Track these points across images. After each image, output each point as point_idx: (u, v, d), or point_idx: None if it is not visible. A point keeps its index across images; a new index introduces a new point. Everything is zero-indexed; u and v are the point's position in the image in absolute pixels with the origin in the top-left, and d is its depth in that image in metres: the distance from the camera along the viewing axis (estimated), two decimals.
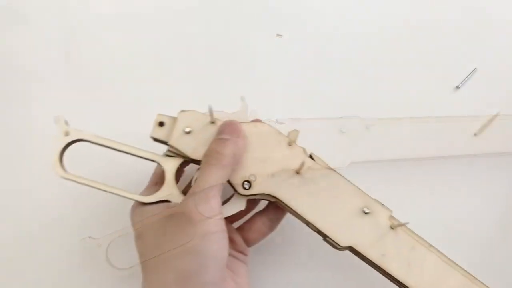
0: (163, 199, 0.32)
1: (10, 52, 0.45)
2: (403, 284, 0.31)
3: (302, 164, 0.32)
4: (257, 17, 0.47)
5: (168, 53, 0.45)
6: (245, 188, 0.32)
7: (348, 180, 0.33)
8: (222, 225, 0.29)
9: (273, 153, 0.32)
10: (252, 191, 0.32)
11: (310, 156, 0.33)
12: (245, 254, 0.35)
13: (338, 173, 0.33)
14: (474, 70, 0.45)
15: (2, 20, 0.46)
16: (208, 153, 0.31)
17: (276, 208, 0.35)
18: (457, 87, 0.45)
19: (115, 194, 0.33)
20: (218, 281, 0.28)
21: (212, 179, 0.29)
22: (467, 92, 0.45)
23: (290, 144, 0.33)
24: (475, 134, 0.43)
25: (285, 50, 0.46)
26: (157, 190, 0.33)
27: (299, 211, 0.32)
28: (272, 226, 0.35)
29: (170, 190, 0.32)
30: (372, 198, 0.32)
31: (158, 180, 0.34)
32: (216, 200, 0.29)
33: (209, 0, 0.47)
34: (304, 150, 0.33)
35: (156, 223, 0.30)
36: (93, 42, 0.46)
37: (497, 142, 0.43)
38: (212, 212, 0.28)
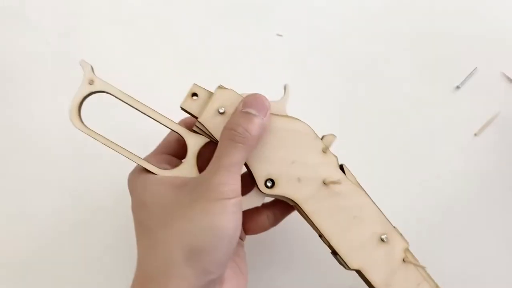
0: (181, 176, 0.30)
1: (8, 52, 0.45)
2: None
3: (333, 180, 0.30)
4: (257, 17, 0.47)
5: (168, 52, 0.45)
6: (267, 186, 0.30)
7: (374, 203, 0.32)
8: (239, 206, 0.28)
9: (305, 156, 0.31)
10: (274, 191, 0.30)
11: (341, 167, 0.32)
12: (241, 239, 0.34)
13: (366, 193, 0.32)
14: (474, 70, 0.45)
15: (1, 20, 0.46)
16: (234, 128, 0.29)
17: (285, 206, 0.34)
18: (457, 87, 0.45)
19: (130, 159, 0.30)
20: (226, 261, 0.28)
21: (236, 159, 0.28)
22: (467, 92, 0.45)
23: (324, 151, 0.31)
24: (475, 134, 0.43)
25: (285, 50, 0.46)
26: (164, 160, 0.31)
27: (317, 223, 0.31)
28: (275, 222, 0.34)
29: (190, 169, 0.30)
30: (392, 226, 0.32)
31: (167, 150, 0.33)
32: (238, 181, 0.28)
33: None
34: (337, 159, 0.31)
35: (165, 194, 0.28)
36: (92, 42, 0.46)
37: (497, 141, 0.43)
38: (233, 193, 0.27)
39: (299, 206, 0.31)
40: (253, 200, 0.31)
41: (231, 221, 0.27)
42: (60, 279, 0.40)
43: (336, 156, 0.31)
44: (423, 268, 0.31)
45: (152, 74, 0.44)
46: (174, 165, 0.31)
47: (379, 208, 0.32)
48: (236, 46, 0.45)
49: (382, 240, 0.31)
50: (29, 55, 0.44)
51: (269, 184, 0.30)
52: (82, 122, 0.30)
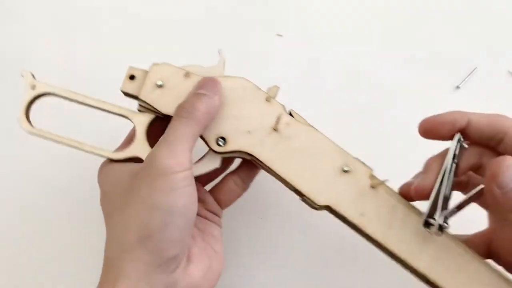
0: (133, 155, 0.31)
1: (4, 51, 0.45)
2: (382, 245, 0.29)
3: (279, 119, 0.30)
4: (257, 17, 0.47)
5: (168, 52, 0.45)
6: (219, 145, 0.30)
7: (328, 138, 0.31)
8: (190, 180, 0.27)
9: (250, 109, 0.31)
10: (227, 148, 0.30)
11: (290, 114, 0.31)
12: (217, 215, 0.33)
13: (317, 131, 0.31)
14: (474, 70, 0.45)
15: None
16: (181, 106, 0.29)
17: (249, 166, 0.33)
18: (457, 87, 0.45)
19: (83, 150, 0.31)
20: (184, 239, 0.27)
21: (180, 133, 0.28)
22: (467, 92, 0.45)
23: (268, 100, 0.31)
24: None
25: (285, 50, 0.46)
26: None
27: (275, 169, 0.30)
28: (244, 186, 0.34)
29: (140, 147, 0.31)
30: (352, 156, 0.31)
31: (132, 139, 0.33)
32: (184, 154, 0.27)
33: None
34: (283, 107, 0.31)
35: (123, 181, 0.28)
36: (92, 41, 0.46)
37: None
38: (179, 167, 0.26)
39: (256, 158, 0.30)
40: (209, 163, 0.31)
41: (181, 197, 0.26)
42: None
43: (282, 104, 0.31)
44: (384, 182, 0.30)
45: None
46: None
47: (334, 142, 0.31)
48: (236, 46, 0.45)
49: (345, 171, 0.30)
50: (27, 54, 0.44)
51: (220, 142, 0.30)
52: (32, 125, 0.31)
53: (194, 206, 0.27)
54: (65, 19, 0.46)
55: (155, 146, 0.28)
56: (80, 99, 0.32)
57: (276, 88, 0.32)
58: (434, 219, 0.27)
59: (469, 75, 0.44)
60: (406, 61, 0.45)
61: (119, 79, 0.32)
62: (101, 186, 0.30)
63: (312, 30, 0.46)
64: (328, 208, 0.30)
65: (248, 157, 0.31)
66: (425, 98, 0.44)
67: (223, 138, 0.30)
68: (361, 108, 0.44)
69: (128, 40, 0.46)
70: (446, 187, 0.28)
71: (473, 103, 0.44)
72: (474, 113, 0.29)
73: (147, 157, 0.28)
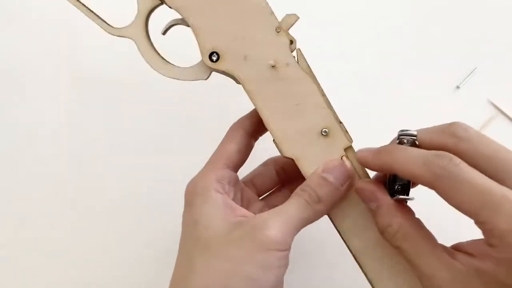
0: (127, 37, 0.29)
1: (5, 52, 0.45)
2: (329, 215, 0.29)
3: (279, 57, 0.28)
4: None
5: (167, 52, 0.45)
6: (212, 60, 0.28)
7: (324, 94, 0.29)
8: (286, 261, 0.26)
9: (255, 32, 0.28)
10: (218, 66, 0.28)
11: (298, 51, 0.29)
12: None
13: (313, 83, 0.29)
14: (474, 70, 0.45)
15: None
16: (303, 189, 0.28)
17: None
18: (457, 87, 0.45)
19: (88, 16, 0.29)
20: None
21: (297, 214, 0.27)
22: (467, 92, 0.45)
23: (278, 30, 0.28)
24: None
25: None
26: (224, 177, 0.29)
27: (257, 106, 0.29)
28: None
29: (138, 31, 0.29)
30: (338, 122, 0.29)
31: (227, 162, 0.30)
32: (292, 235, 0.26)
33: None
34: (292, 42, 0.29)
35: (221, 225, 0.27)
36: (92, 40, 0.45)
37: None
38: (284, 245, 0.26)
39: (244, 88, 0.29)
40: (197, 73, 0.30)
41: (272, 275, 0.25)
42: None
43: (292, 39, 0.29)
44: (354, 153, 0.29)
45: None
46: (234, 184, 0.30)
47: (328, 101, 0.29)
48: None
49: (322, 133, 0.29)
50: (26, 53, 0.44)
51: (214, 58, 0.28)
52: None
53: (281, 283, 0.27)
54: None
55: (270, 213, 0.27)
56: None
57: (294, 18, 0.29)
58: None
59: (469, 75, 0.44)
60: (406, 61, 0.45)
61: None
62: (191, 211, 0.29)
63: (311, 30, 0.46)
64: (292, 161, 0.29)
65: (237, 83, 0.30)
66: (425, 98, 0.44)
67: (217, 54, 0.28)
68: (361, 108, 0.44)
69: None
70: None
71: (473, 103, 0.44)
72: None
73: (256, 218, 0.27)
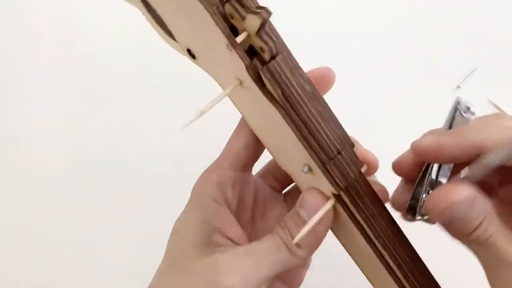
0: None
1: (6, 51, 0.45)
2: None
3: (242, 80, 0.22)
4: None
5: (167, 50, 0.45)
6: (192, 56, 0.24)
7: (305, 124, 0.23)
8: None
9: (216, 44, 0.22)
10: (197, 63, 0.24)
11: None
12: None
13: (288, 114, 0.22)
14: (474, 70, 0.45)
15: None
16: (283, 225, 0.23)
17: None
18: (457, 87, 0.45)
19: None
20: None
21: (269, 256, 0.23)
22: (467, 92, 0.45)
23: (229, 48, 0.21)
24: None
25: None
26: (231, 179, 0.25)
27: (240, 112, 0.25)
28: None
29: None
30: (322, 162, 0.22)
31: (235, 162, 0.26)
32: (262, 283, 0.23)
33: None
34: (245, 65, 0.21)
35: (200, 230, 0.24)
36: (91, 40, 0.46)
37: None
38: (241, 284, 0.22)
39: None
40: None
41: None
42: None
43: (245, 62, 0.21)
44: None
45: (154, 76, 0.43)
46: (242, 188, 0.26)
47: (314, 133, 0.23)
48: None
49: (303, 170, 0.23)
50: (26, 53, 0.44)
51: (192, 55, 0.24)
52: None
53: None
54: None
55: (239, 250, 0.23)
56: None
57: (256, 20, 0.20)
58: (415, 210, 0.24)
59: (469, 75, 0.44)
60: (406, 61, 0.45)
61: None
62: (185, 208, 0.26)
63: (312, 30, 0.46)
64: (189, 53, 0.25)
65: None
66: (425, 98, 0.44)
67: (192, 54, 0.24)
68: (361, 108, 0.44)
69: None
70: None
71: (473, 103, 0.44)
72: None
73: (218, 258, 0.23)
